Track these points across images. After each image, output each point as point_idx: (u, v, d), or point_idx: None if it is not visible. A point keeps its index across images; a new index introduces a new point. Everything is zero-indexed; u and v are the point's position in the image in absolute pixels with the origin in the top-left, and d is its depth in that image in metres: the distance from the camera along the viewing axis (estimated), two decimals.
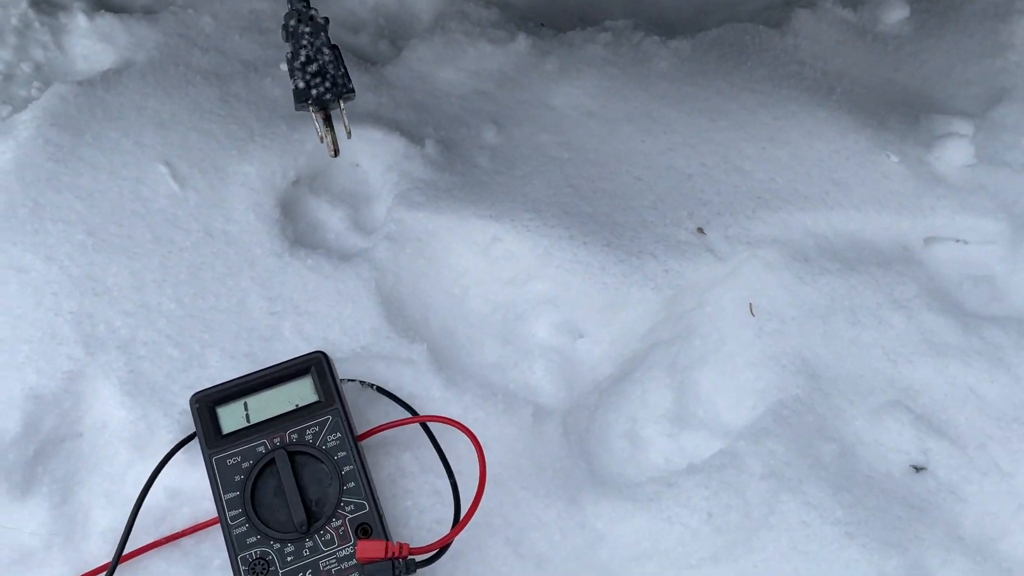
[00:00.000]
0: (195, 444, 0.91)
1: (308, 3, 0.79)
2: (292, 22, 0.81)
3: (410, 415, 0.96)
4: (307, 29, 0.80)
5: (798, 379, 1.08)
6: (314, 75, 0.79)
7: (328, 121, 0.82)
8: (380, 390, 0.98)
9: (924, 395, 1.09)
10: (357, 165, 1.23)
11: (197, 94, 1.22)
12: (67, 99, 1.17)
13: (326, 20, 0.81)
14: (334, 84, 0.80)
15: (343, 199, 1.21)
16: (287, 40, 0.80)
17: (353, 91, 0.80)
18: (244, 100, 1.23)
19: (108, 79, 1.22)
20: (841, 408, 1.07)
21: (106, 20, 1.29)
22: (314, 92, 0.80)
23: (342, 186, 1.22)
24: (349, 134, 0.80)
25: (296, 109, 0.80)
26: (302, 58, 0.80)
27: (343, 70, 0.81)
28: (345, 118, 0.81)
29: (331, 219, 1.19)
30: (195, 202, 1.12)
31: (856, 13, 1.51)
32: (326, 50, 0.80)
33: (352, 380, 0.98)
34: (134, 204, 1.10)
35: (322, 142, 0.80)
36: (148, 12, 1.35)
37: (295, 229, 1.15)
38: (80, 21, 1.29)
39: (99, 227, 1.07)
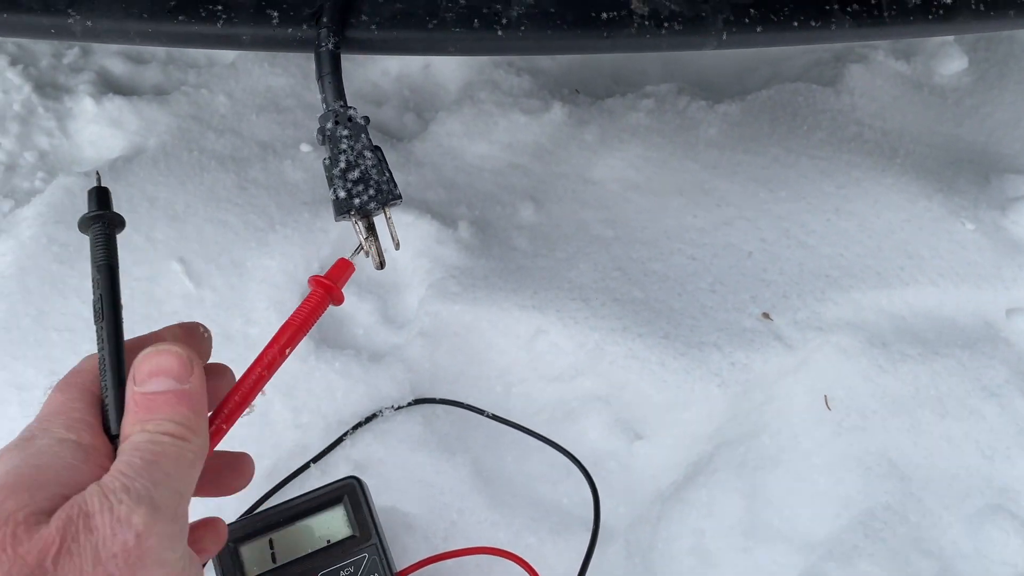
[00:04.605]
0: None
1: (345, 102, 0.70)
2: (329, 125, 0.71)
3: (462, 549, 0.85)
4: (346, 132, 0.70)
5: (886, 483, 0.96)
6: (356, 182, 0.70)
7: (372, 230, 0.72)
8: (446, 401, 1.01)
9: None
10: (384, 251, 1.13)
11: (213, 181, 1.13)
12: (73, 192, 1.09)
13: (366, 120, 0.72)
14: (379, 191, 0.71)
15: (371, 290, 1.11)
16: (323, 144, 0.71)
17: (400, 196, 0.71)
18: (263, 186, 1.14)
19: (117, 168, 1.13)
20: (937, 515, 0.96)
21: (114, 103, 1.21)
22: (356, 201, 0.70)
23: (370, 276, 1.12)
24: (397, 245, 0.70)
25: (336, 220, 0.71)
26: (342, 164, 0.70)
27: (388, 174, 0.72)
28: (393, 227, 0.71)
29: (359, 313, 1.09)
30: (211, 302, 1.03)
31: (910, 65, 1.41)
32: (368, 153, 0.70)
33: (419, 402, 0.99)
34: (146, 307, 1.01)
35: (367, 256, 0.70)
36: (159, 93, 1.27)
37: (320, 326, 1.05)
38: (87, 105, 1.20)
39: None
